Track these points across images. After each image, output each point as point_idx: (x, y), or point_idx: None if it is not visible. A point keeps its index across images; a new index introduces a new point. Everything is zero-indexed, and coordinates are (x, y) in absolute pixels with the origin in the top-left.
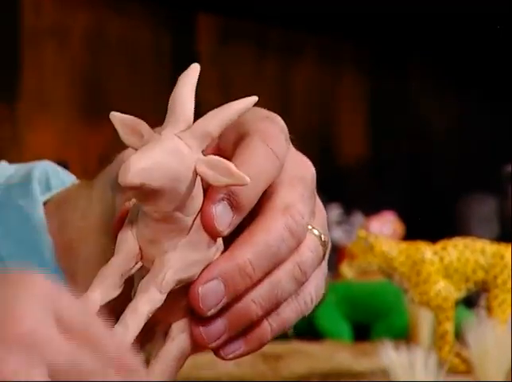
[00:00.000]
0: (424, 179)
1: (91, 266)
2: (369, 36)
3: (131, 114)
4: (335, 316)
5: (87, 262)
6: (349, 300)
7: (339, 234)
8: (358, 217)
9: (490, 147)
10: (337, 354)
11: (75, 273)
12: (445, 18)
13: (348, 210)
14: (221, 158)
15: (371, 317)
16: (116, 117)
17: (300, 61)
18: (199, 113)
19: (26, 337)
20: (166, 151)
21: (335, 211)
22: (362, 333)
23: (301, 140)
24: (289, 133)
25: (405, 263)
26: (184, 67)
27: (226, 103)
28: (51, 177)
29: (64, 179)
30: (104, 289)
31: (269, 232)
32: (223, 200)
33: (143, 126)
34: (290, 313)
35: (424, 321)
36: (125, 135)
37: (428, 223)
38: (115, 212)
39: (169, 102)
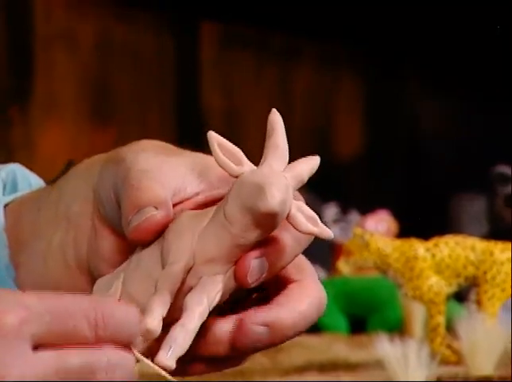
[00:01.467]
0: (417, 179)
1: (34, 259)
2: (365, 41)
3: (137, 117)
4: (333, 310)
5: (32, 254)
6: (346, 294)
7: (335, 232)
8: (354, 216)
9: (479, 149)
10: (334, 346)
11: (19, 264)
12: (438, 26)
13: (345, 209)
14: (307, 207)
15: (367, 311)
16: (214, 137)
17: (299, 66)
18: (201, 114)
19: None
20: (284, 188)
21: (333, 209)
22: (358, 325)
23: (300, 142)
24: (288, 136)
25: (399, 259)
26: (188, 72)
27: (229, 106)
28: (19, 180)
29: (32, 183)
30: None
31: (305, 305)
32: (262, 256)
33: (242, 155)
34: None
35: (417, 315)
36: (221, 156)
37: (421, 221)
38: (119, 219)
39: (269, 141)
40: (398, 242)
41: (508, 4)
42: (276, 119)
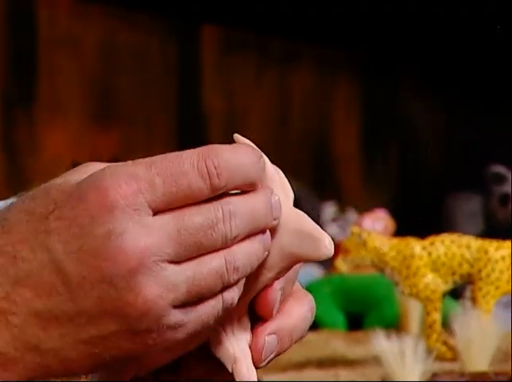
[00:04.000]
0: (413, 179)
1: None
2: (363, 44)
3: (140, 119)
4: (331, 307)
5: None
6: (343, 292)
7: (334, 230)
8: (351, 215)
9: (475, 149)
10: (332, 342)
11: None
12: (434, 28)
13: (343, 208)
14: None
15: (364, 308)
16: None
17: (297, 69)
18: (202, 116)
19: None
20: None
21: (331, 208)
22: (356, 322)
23: (299, 144)
24: (288, 138)
25: (395, 257)
26: (189, 75)
27: (229, 108)
28: None
29: None
30: None
31: (302, 310)
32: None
33: None
34: None
35: (413, 312)
36: None
37: (417, 220)
38: None
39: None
40: (395, 240)
41: (508, 4)
42: (275, 168)
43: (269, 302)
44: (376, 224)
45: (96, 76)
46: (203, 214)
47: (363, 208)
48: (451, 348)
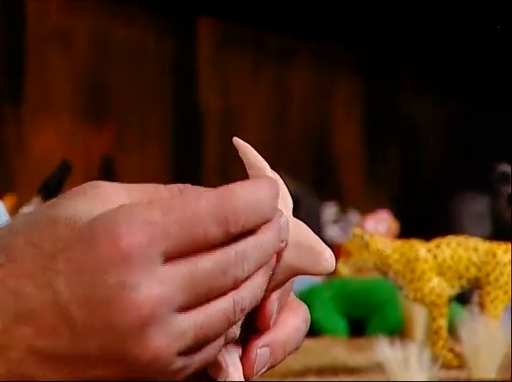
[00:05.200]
0: (417, 179)
1: None
2: (362, 40)
3: (134, 116)
4: (332, 312)
5: None
6: (345, 296)
7: (335, 232)
8: (353, 216)
9: (482, 148)
10: (333, 349)
11: None
12: (436, 25)
13: (344, 209)
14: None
15: (367, 313)
16: None
17: (296, 65)
18: (198, 113)
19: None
20: None
21: (332, 209)
22: (358, 328)
23: (299, 143)
24: (287, 136)
25: (399, 260)
26: (186, 71)
27: (226, 105)
28: None
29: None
30: None
31: (296, 321)
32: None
33: None
34: None
35: (418, 317)
36: None
37: (422, 221)
38: None
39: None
40: (399, 242)
41: (508, 4)
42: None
43: (266, 313)
44: (379, 226)
45: (88, 72)
46: (216, 260)
47: (365, 209)
48: (458, 356)
